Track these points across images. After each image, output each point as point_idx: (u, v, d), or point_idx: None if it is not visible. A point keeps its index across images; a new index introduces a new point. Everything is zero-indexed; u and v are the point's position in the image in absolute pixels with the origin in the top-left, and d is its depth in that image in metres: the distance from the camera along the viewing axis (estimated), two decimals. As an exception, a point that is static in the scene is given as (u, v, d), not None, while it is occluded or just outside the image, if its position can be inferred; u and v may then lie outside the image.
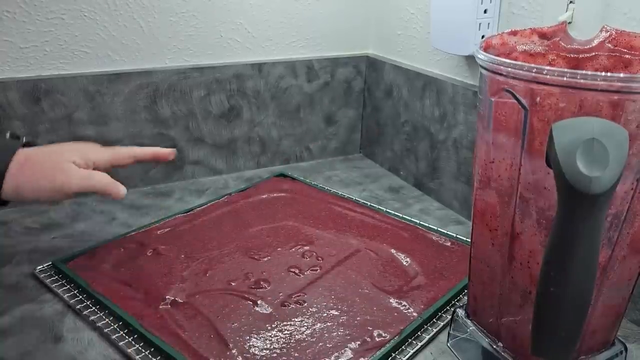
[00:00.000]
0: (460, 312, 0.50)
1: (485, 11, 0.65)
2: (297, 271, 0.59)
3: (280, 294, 0.56)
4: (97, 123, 0.76)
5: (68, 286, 0.56)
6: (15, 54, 0.70)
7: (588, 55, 0.43)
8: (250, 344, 0.49)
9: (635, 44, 0.41)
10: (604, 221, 0.32)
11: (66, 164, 0.53)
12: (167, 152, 0.61)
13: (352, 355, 0.47)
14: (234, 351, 0.47)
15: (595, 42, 0.43)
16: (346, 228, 0.69)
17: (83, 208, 0.75)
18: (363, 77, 0.94)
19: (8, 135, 0.56)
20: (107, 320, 0.52)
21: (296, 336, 0.50)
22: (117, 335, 0.50)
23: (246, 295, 0.55)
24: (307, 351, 0.48)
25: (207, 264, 0.60)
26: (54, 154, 0.54)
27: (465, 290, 0.56)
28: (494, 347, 0.45)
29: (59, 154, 0.54)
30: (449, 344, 0.51)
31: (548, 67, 0.34)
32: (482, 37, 0.65)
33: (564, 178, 0.30)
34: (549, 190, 0.37)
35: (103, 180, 0.54)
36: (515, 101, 0.37)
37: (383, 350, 0.48)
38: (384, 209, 0.74)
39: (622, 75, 0.33)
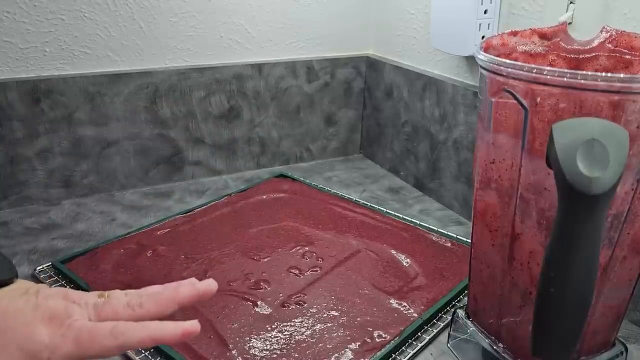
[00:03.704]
0: (461, 312, 0.50)
1: (485, 12, 0.65)
2: (297, 272, 0.59)
3: (280, 294, 0.55)
4: (97, 123, 0.76)
5: (68, 287, 0.56)
6: (15, 55, 0.70)
7: (588, 55, 0.43)
8: (250, 344, 0.49)
9: (635, 45, 0.41)
10: (604, 222, 0.32)
11: None
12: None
13: (352, 356, 0.47)
14: (233, 352, 0.47)
15: (596, 42, 0.43)
16: (346, 229, 0.69)
17: (83, 208, 0.75)
18: (363, 77, 0.94)
19: None
20: (106, 320, 0.52)
21: (296, 337, 0.50)
22: (116, 336, 0.50)
23: (246, 296, 0.55)
24: (307, 352, 0.48)
25: (207, 265, 0.60)
26: None
27: (466, 291, 0.56)
28: (495, 347, 0.45)
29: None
30: (449, 345, 0.51)
31: (548, 68, 0.34)
32: (482, 37, 0.65)
33: (564, 178, 0.30)
34: (549, 190, 0.36)
35: None
36: (515, 101, 0.37)
37: (383, 351, 0.48)
38: (384, 210, 0.74)
39: (622, 75, 0.33)
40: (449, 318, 0.53)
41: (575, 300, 0.33)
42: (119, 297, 0.33)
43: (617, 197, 0.36)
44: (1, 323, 0.31)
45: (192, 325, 0.32)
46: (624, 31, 0.42)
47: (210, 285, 0.35)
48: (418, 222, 0.71)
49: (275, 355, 0.47)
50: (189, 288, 0.34)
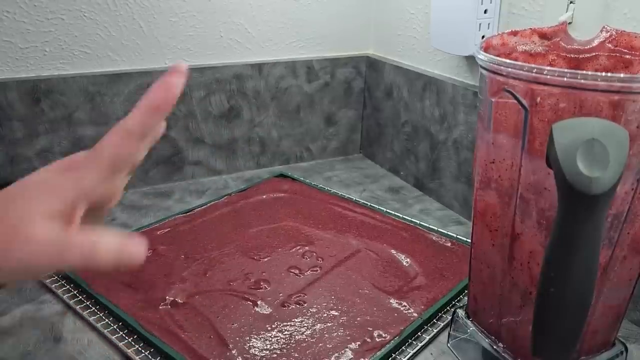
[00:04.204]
0: (461, 312, 0.50)
1: (485, 11, 0.65)
2: (297, 271, 0.59)
3: (280, 294, 0.55)
4: (97, 123, 0.76)
5: (68, 286, 0.56)
6: (15, 55, 0.70)
7: (588, 55, 0.43)
8: (250, 344, 0.49)
9: (635, 44, 0.41)
10: (604, 222, 0.32)
11: (32, 224, 0.30)
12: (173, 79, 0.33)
13: (352, 356, 0.47)
14: (234, 352, 0.47)
15: (596, 42, 0.43)
16: (346, 228, 0.69)
17: (83, 208, 0.75)
18: (363, 77, 0.94)
19: None
20: (107, 320, 0.52)
21: (296, 337, 0.50)
22: (116, 335, 0.50)
23: (246, 296, 0.55)
24: (307, 352, 0.48)
25: (207, 265, 0.60)
26: (14, 203, 0.31)
27: (466, 291, 0.56)
28: (495, 347, 0.45)
29: (22, 205, 0.31)
30: (449, 345, 0.51)
31: (548, 68, 0.34)
32: (482, 37, 0.65)
33: (564, 178, 0.30)
34: (549, 190, 0.36)
35: (102, 247, 0.31)
36: (515, 101, 0.37)
37: (383, 350, 0.48)
38: (384, 210, 0.74)
39: (622, 75, 0.33)
40: (449, 318, 0.53)
41: (575, 300, 0.33)
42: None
43: (617, 197, 0.36)
44: (28, 184, 0.33)
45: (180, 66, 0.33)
46: (624, 31, 0.42)
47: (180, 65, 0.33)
48: (418, 222, 0.71)
49: (275, 355, 0.47)
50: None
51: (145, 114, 0.32)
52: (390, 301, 0.55)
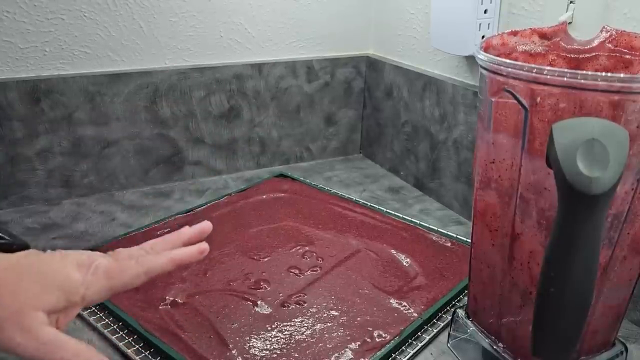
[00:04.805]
0: (461, 312, 0.50)
1: (485, 11, 0.65)
2: (297, 271, 0.59)
3: (280, 294, 0.55)
4: (97, 123, 0.76)
5: (68, 287, 0.56)
6: (15, 55, 0.70)
7: (588, 55, 0.43)
8: (250, 344, 0.49)
9: (635, 44, 0.41)
10: (604, 221, 0.32)
11: (33, 316, 0.33)
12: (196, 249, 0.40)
13: (352, 356, 0.47)
14: (233, 352, 0.47)
15: (596, 42, 0.43)
16: (346, 228, 0.69)
17: (83, 208, 0.75)
18: (363, 77, 0.94)
19: None
20: (106, 320, 0.52)
21: (296, 337, 0.50)
22: (116, 335, 0.50)
23: (246, 296, 0.55)
24: (307, 352, 0.48)
25: (206, 265, 0.60)
26: (27, 281, 0.34)
27: (466, 291, 0.56)
28: (495, 347, 0.45)
29: (32, 290, 0.33)
30: (449, 345, 0.51)
31: (548, 68, 0.34)
32: (482, 37, 0.65)
33: (564, 178, 0.30)
34: (549, 190, 0.36)
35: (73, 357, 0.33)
36: (515, 101, 0.37)
37: (383, 350, 0.48)
38: (384, 210, 0.74)
39: (622, 75, 0.33)
40: (449, 318, 0.53)
41: (575, 300, 0.33)
42: (132, 248, 0.39)
43: (617, 197, 0.36)
44: (40, 267, 0.35)
45: (204, 243, 0.40)
46: (624, 31, 0.42)
47: (206, 224, 0.42)
48: (418, 222, 0.71)
49: (275, 355, 0.47)
50: (189, 229, 0.42)
51: (170, 265, 0.38)
52: (390, 301, 0.55)
